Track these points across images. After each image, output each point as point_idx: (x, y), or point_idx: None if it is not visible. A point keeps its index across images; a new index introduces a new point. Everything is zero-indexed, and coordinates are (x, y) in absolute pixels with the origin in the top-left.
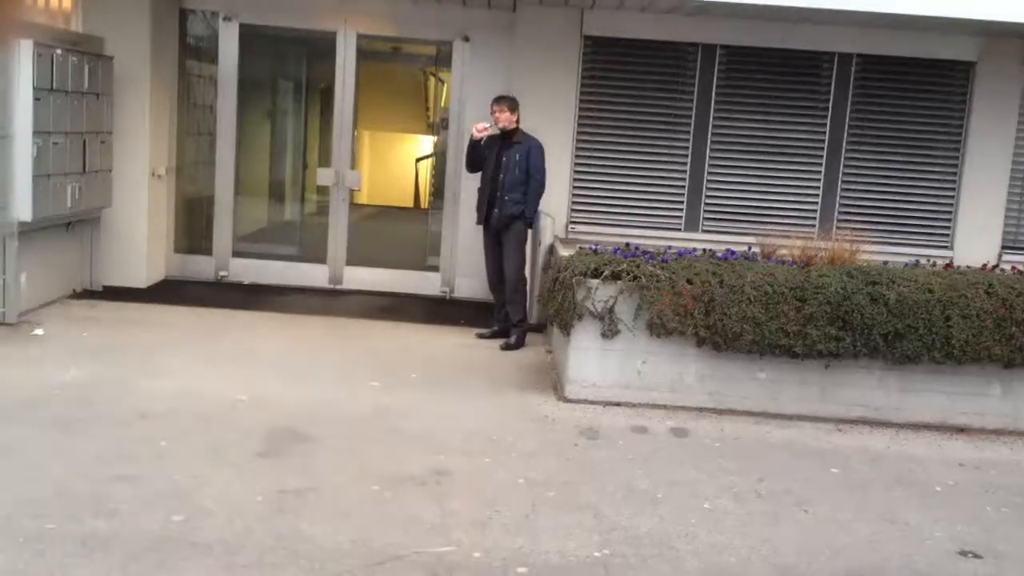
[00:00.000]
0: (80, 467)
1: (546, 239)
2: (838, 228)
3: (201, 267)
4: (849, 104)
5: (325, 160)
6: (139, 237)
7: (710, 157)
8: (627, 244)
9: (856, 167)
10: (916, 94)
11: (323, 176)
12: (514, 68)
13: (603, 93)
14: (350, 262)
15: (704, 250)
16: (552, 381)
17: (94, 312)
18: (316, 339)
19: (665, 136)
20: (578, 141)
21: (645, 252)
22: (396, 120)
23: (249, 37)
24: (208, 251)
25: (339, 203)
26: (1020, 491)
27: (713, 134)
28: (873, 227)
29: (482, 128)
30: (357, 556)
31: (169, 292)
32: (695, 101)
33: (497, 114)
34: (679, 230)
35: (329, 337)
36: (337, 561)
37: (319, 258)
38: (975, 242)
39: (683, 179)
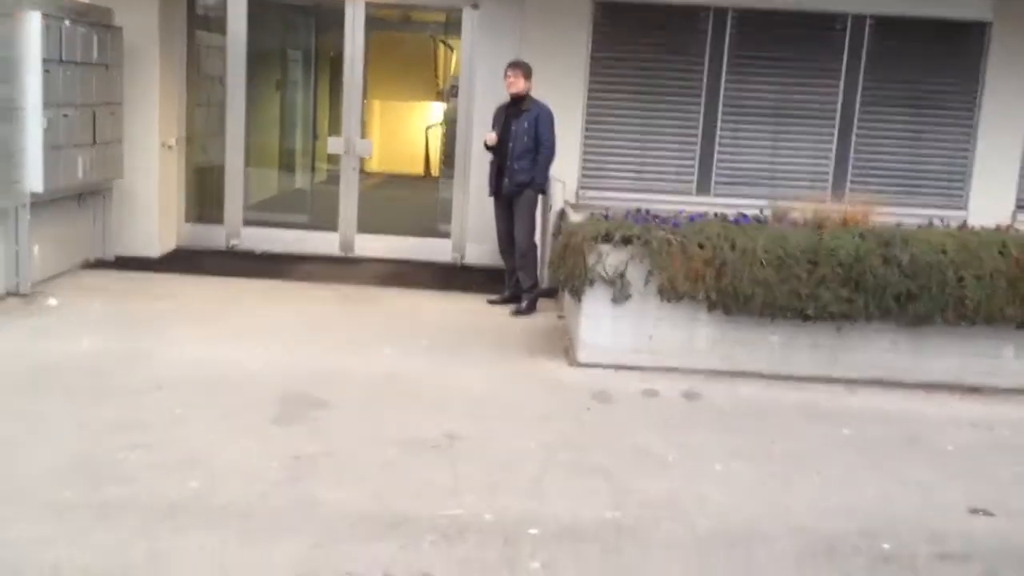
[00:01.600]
0: (96, 435)
1: (557, 204)
2: (851, 190)
3: (212, 236)
4: (862, 65)
5: (335, 129)
6: (150, 207)
7: (722, 120)
8: (638, 208)
9: (869, 128)
10: (930, 55)
11: (333, 144)
12: (524, 34)
13: (614, 57)
14: (361, 230)
15: (716, 214)
16: (563, 346)
17: (107, 282)
18: (328, 306)
19: (676, 100)
20: (589, 106)
21: (656, 216)
22: (406, 88)
23: (257, 6)
24: (219, 220)
25: (349, 171)
26: None
27: (725, 97)
28: (886, 188)
29: (492, 139)
30: (371, 519)
31: (181, 262)
32: (706, 64)
33: (511, 79)
34: (691, 194)
35: (341, 304)
36: (351, 525)
37: (330, 226)
38: (989, 202)
39: (695, 143)
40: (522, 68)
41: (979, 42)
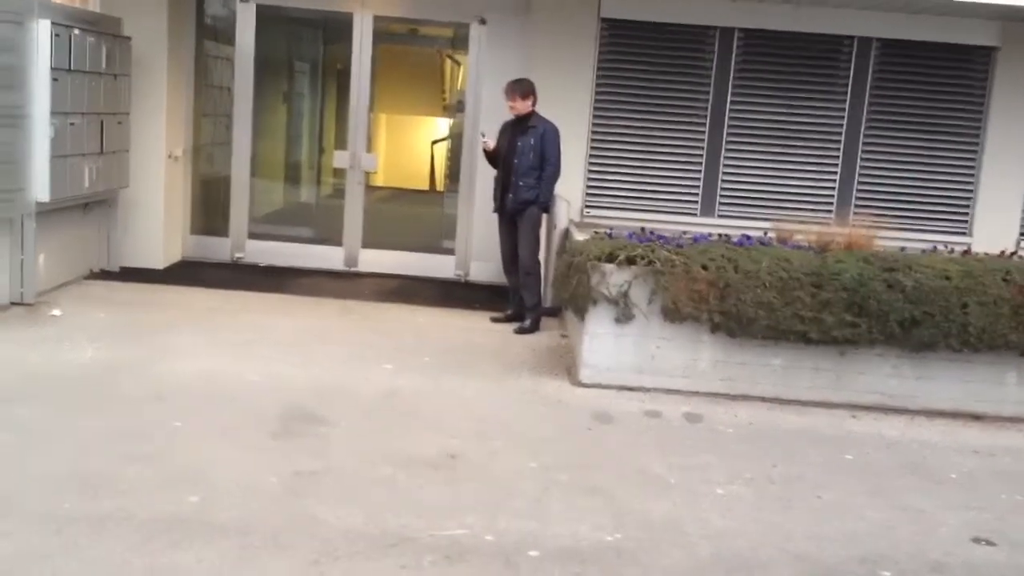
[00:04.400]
0: (96, 447)
1: (561, 223)
2: (855, 214)
3: (217, 248)
4: (868, 88)
5: (341, 142)
6: (156, 218)
7: (727, 142)
8: (642, 229)
9: (874, 152)
10: (936, 79)
11: (339, 158)
12: (530, 50)
13: (620, 76)
14: (366, 244)
15: (719, 235)
16: (566, 365)
17: (111, 293)
18: (331, 321)
19: (682, 120)
20: (594, 124)
21: (660, 237)
22: (412, 102)
23: (266, 18)
24: (224, 233)
25: (355, 185)
26: None
27: (730, 118)
28: (890, 213)
29: (489, 145)
30: (370, 537)
31: (185, 273)
32: (712, 85)
33: (511, 103)
34: (695, 215)
35: (344, 319)
36: (350, 542)
37: (335, 240)
38: (993, 228)
39: (699, 164)
40: (519, 88)
41: (985, 67)
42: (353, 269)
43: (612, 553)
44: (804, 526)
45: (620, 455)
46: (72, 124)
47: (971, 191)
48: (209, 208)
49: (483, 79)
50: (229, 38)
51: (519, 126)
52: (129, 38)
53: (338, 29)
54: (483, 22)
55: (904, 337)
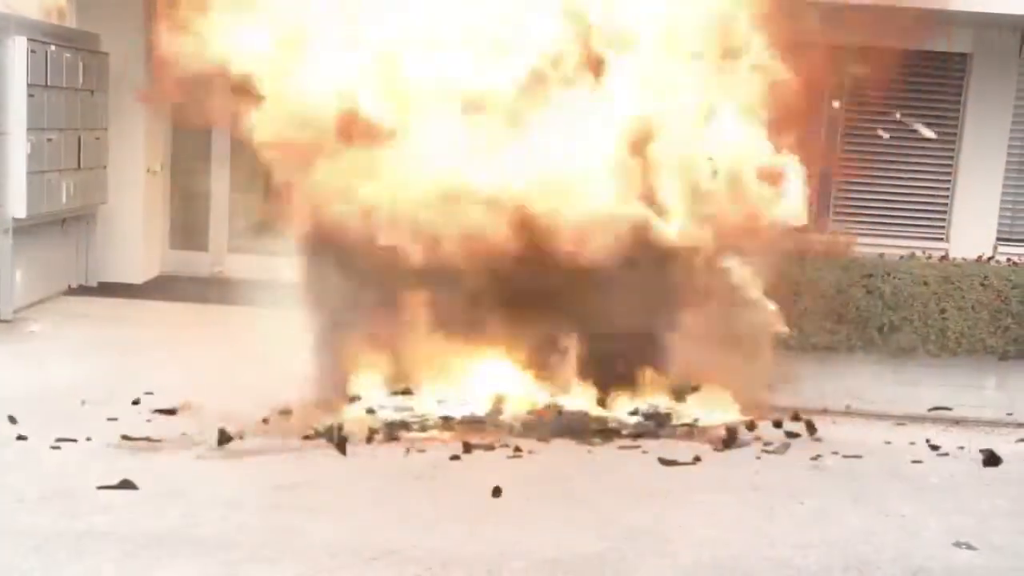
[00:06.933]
0: (75, 463)
1: None
2: (833, 221)
3: (196, 263)
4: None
5: None
6: (134, 233)
7: None
8: None
9: (852, 159)
10: (911, 86)
11: None
12: None
13: None
14: None
15: None
16: None
17: (89, 309)
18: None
19: None
20: None
21: None
22: None
23: None
24: (204, 247)
25: None
26: (1015, 483)
27: None
28: (868, 220)
29: None
30: (353, 551)
31: (164, 288)
32: None
33: None
34: None
35: None
36: (333, 556)
37: None
38: (970, 234)
39: None
40: None
41: (960, 73)
42: None
43: (597, 563)
44: (786, 533)
45: (603, 464)
46: (49, 140)
47: (947, 197)
48: (188, 223)
49: None
50: None
51: None
52: (107, 54)
53: None
54: None
55: (883, 343)
